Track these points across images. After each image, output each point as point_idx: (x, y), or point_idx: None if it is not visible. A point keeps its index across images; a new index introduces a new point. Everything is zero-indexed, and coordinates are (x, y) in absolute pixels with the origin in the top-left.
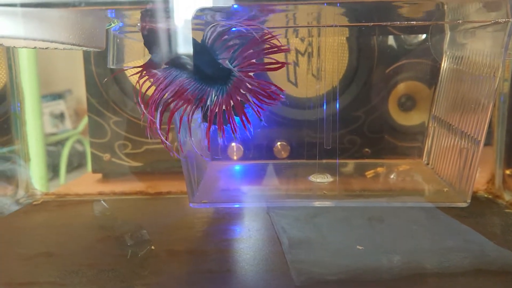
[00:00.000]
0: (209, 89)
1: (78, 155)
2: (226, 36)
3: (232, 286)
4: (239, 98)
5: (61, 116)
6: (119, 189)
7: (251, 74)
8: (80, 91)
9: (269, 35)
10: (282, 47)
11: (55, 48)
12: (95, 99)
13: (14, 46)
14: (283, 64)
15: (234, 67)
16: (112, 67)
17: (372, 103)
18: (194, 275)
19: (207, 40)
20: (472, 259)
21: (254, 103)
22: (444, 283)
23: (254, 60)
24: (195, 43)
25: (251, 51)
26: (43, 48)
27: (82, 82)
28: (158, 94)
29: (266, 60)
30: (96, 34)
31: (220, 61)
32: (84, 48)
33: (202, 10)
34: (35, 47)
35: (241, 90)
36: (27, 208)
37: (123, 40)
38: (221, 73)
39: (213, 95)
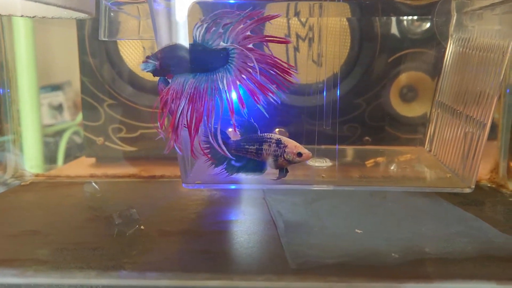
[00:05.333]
0: (214, 75)
1: (76, 147)
2: (214, 28)
3: (225, 267)
4: (250, 71)
5: (59, 108)
6: (112, 172)
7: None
8: (79, 83)
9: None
10: (272, 16)
11: (43, 17)
12: (88, 79)
13: (0, 14)
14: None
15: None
16: (103, 39)
17: (373, 92)
18: (185, 255)
19: (197, 39)
20: (476, 245)
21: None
22: (447, 268)
23: (248, 33)
24: (185, 47)
25: (242, 25)
26: (31, 17)
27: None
28: (175, 107)
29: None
30: None
31: (214, 46)
32: (74, 15)
33: (198, 3)
34: (22, 15)
35: (247, 63)
36: (16, 189)
37: (118, 14)
38: (219, 55)
39: (221, 77)
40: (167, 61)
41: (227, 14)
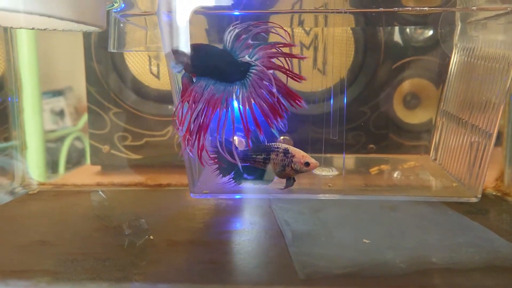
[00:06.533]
0: (231, 87)
1: (77, 152)
2: (244, 36)
3: (233, 277)
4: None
5: (61, 113)
6: (118, 180)
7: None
8: (81, 88)
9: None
10: (300, 56)
11: (54, 30)
12: (94, 88)
13: (12, 27)
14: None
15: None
16: (113, 51)
17: (377, 100)
18: (194, 266)
19: (227, 44)
20: (483, 255)
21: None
22: (454, 279)
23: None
24: (215, 49)
25: (272, 49)
26: (41, 29)
27: (83, 79)
28: (193, 111)
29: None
30: (96, 11)
31: (240, 57)
32: (84, 29)
33: (201, 13)
34: (33, 28)
35: (264, 81)
36: (23, 197)
37: (126, 25)
38: (239, 68)
39: (237, 91)
40: (194, 60)
41: (260, 24)
